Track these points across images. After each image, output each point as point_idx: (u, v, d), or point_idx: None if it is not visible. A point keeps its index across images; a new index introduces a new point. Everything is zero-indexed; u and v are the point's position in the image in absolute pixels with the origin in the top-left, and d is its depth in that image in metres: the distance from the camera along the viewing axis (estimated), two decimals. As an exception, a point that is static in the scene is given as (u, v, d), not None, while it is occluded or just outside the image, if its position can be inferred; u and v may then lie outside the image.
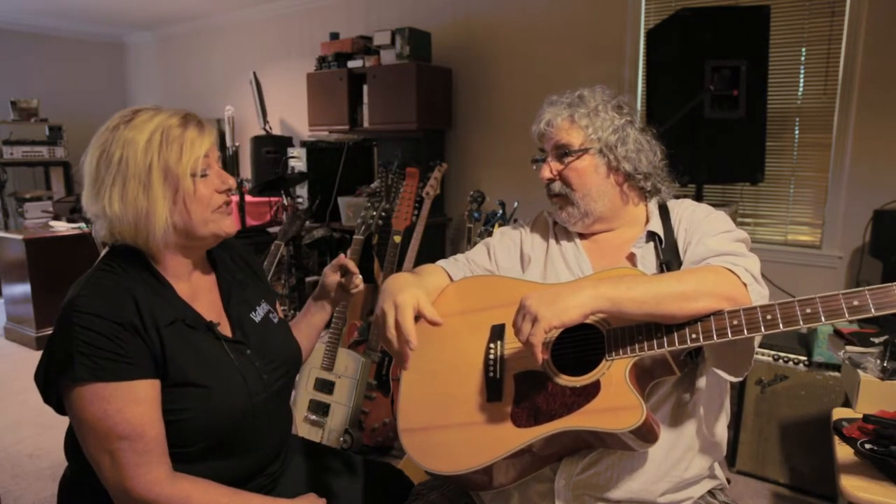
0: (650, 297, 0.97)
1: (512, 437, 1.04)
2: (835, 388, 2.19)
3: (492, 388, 1.11)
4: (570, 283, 1.02)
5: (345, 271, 1.39)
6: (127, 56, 7.19)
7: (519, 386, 1.09)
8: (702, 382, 1.14)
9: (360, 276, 1.41)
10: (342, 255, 1.44)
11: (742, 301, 1.00)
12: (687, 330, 0.99)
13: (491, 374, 1.12)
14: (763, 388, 2.32)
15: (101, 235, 1.09)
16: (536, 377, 1.07)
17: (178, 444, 1.05)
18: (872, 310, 0.89)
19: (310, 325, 1.45)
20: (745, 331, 0.95)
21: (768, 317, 0.94)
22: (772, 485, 2.35)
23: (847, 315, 0.91)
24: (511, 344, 1.12)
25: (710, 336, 0.97)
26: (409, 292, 1.14)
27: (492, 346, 1.15)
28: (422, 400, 1.18)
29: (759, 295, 1.03)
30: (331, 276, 1.40)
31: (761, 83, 2.60)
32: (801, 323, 0.93)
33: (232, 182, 1.15)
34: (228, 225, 1.15)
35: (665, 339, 1.00)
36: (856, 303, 0.90)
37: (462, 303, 1.24)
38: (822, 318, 0.92)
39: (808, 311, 0.92)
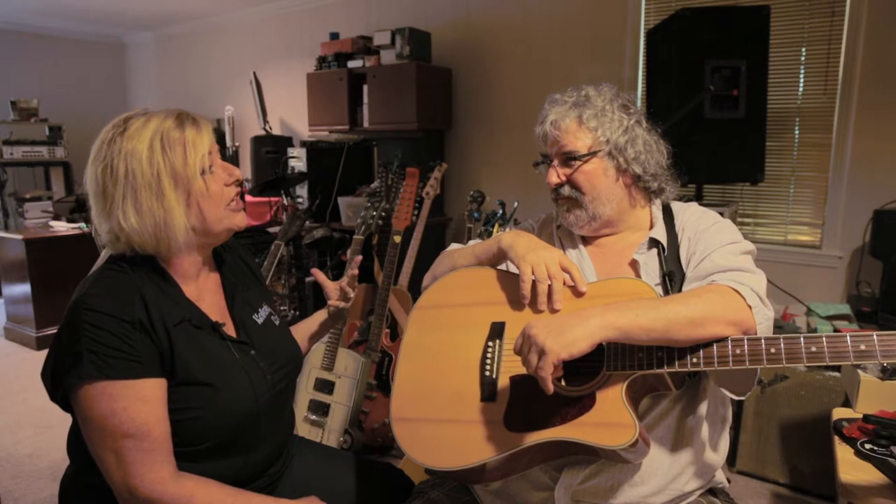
0: (658, 325, 0.96)
1: (503, 441, 1.04)
2: (835, 388, 2.19)
3: (487, 388, 1.11)
4: (578, 312, 0.99)
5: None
6: (127, 56, 7.19)
7: (514, 388, 1.09)
8: (704, 399, 1.13)
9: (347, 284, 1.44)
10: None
11: (747, 324, 0.99)
12: (689, 355, 0.98)
13: (487, 373, 1.12)
14: (763, 388, 2.32)
15: (119, 248, 1.07)
16: (532, 381, 1.05)
17: (183, 444, 1.05)
18: (879, 356, 0.87)
19: (308, 329, 1.47)
20: (747, 362, 0.95)
21: (772, 350, 0.93)
22: (772, 485, 2.35)
23: (852, 359, 0.89)
24: (509, 344, 1.12)
25: (712, 363, 0.97)
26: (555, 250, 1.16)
27: (490, 344, 1.14)
28: (416, 391, 1.18)
29: (763, 317, 1.02)
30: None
31: (761, 83, 2.60)
32: (805, 361, 0.91)
33: (238, 173, 1.15)
34: (241, 219, 1.16)
35: (665, 361, 0.99)
36: (863, 347, 0.88)
37: (463, 294, 1.23)
38: (827, 360, 0.90)
39: (814, 349, 0.91)
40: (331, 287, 1.45)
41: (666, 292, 1.13)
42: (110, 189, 1.03)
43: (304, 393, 2.42)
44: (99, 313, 0.99)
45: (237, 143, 5.68)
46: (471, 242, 1.39)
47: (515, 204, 2.90)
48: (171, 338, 1.04)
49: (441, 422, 1.12)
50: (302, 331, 1.46)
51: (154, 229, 1.04)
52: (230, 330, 1.18)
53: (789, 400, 2.28)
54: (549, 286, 1.11)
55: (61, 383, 1.01)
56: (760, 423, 2.35)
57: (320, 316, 1.48)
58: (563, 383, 1.07)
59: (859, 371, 1.84)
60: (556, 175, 1.23)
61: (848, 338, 0.89)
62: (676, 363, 0.99)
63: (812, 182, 3.16)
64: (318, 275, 1.46)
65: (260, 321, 1.25)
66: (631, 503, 1.09)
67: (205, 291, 1.18)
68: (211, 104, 5.96)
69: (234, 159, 5.59)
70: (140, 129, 1.05)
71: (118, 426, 0.98)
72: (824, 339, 0.90)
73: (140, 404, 0.99)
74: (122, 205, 1.03)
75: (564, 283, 1.11)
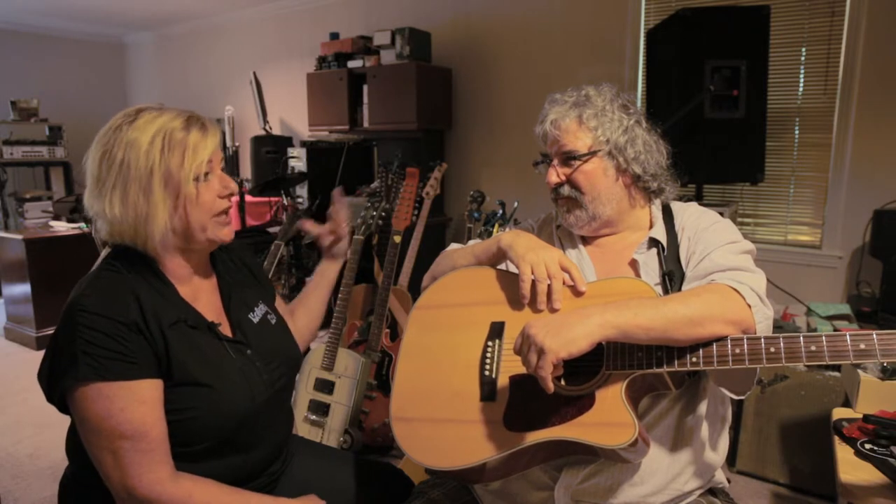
0: (657, 323, 0.96)
1: (503, 441, 1.04)
2: (835, 388, 2.19)
3: (486, 388, 1.11)
4: (577, 311, 0.99)
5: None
6: (127, 56, 7.19)
7: (514, 388, 1.09)
8: (703, 399, 1.13)
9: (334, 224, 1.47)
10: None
11: (747, 323, 0.99)
12: (688, 354, 0.98)
13: (486, 373, 1.12)
14: (763, 388, 2.32)
15: (102, 234, 1.09)
16: (532, 381, 1.05)
17: (181, 444, 1.05)
18: (878, 355, 0.87)
19: (323, 281, 1.52)
20: (747, 361, 0.95)
21: (771, 349, 0.93)
22: (772, 485, 2.35)
23: (852, 358, 0.88)
24: (509, 344, 1.12)
25: (711, 362, 0.97)
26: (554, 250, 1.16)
27: (489, 343, 1.14)
28: (416, 390, 1.18)
29: (763, 316, 1.01)
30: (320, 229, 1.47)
31: (761, 83, 2.60)
32: (804, 360, 0.91)
33: (234, 186, 1.15)
34: (226, 233, 1.15)
35: (665, 361, 0.99)
36: (862, 346, 0.88)
37: (463, 294, 1.23)
38: (827, 359, 0.90)
39: (813, 348, 0.91)
40: (322, 229, 1.46)
41: (665, 292, 1.13)
42: (104, 174, 1.04)
43: (304, 393, 2.42)
44: (94, 315, 0.99)
45: (237, 143, 5.68)
46: (471, 242, 1.39)
47: (515, 204, 2.90)
48: (166, 338, 1.04)
49: (441, 421, 1.12)
50: (309, 291, 1.52)
51: (135, 222, 1.04)
52: (226, 330, 1.18)
53: (789, 400, 2.28)
54: (549, 286, 1.11)
55: (58, 385, 1.01)
56: (760, 423, 2.35)
57: (320, 270, 1.51)
58: (562, 383, 1.07)
59: (859, 371, 1.84)
60: (555, 175, 1.23)
61: (847, 337, 0.89)
62: (676, 362, 0.99)
63: (812, 182, 3.16)
64: (307, 223, 1.47)
65: (255, 320, 1.25)
66: (631, 503, 1.09)
67: (200, 292, 1.18)
68: (211, 104, 5.96)
69: (234, 159, 5.60)
70: (148, 122, 1.05)
71: (115, 427, 0.98)
72: (824, 338, 0.90)
73: (137, 405, 0.99)
74: (111, 192, 1.03)
75: (564, 283, 1.11)
